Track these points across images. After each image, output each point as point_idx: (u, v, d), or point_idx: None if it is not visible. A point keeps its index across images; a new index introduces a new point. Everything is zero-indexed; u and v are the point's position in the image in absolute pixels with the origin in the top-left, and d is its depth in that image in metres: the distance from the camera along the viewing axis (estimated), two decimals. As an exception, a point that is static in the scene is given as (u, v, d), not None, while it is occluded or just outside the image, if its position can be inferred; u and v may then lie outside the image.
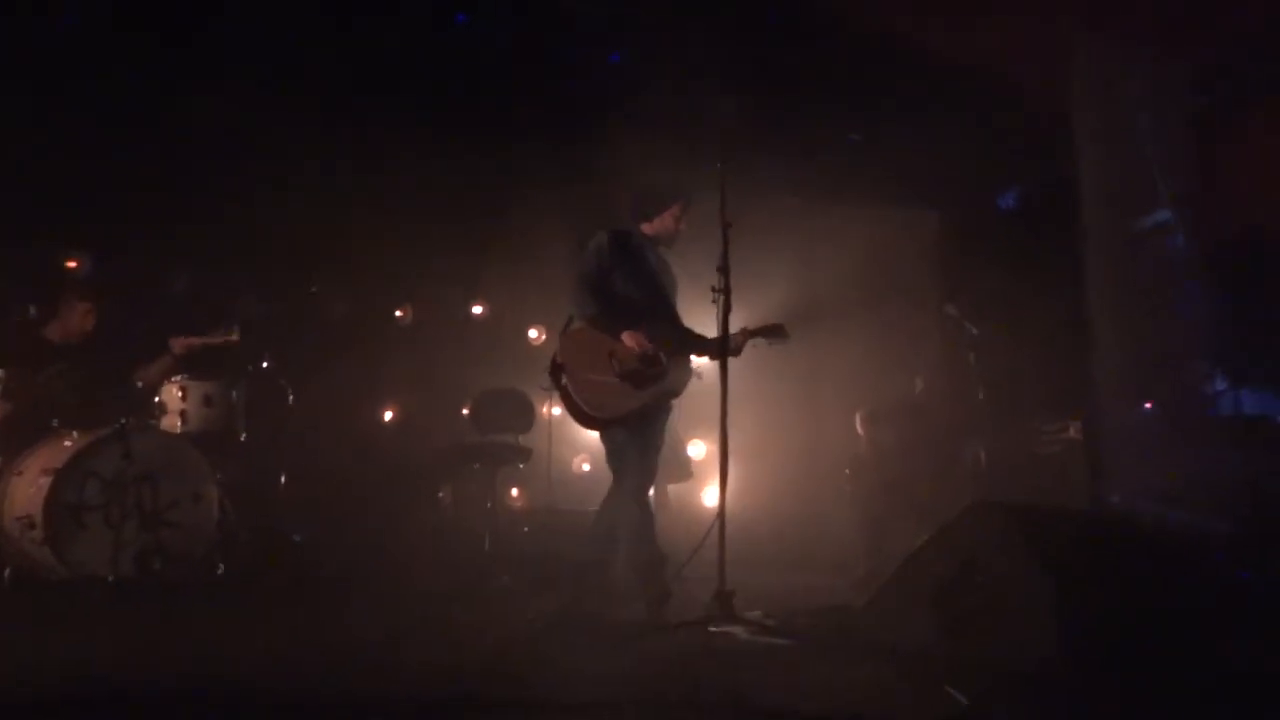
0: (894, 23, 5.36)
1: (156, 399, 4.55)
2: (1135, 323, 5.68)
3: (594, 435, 6.16)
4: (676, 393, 3.76)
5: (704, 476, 5.85)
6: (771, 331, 3.86)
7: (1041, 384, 5.68)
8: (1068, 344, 5.82)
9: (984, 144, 6.06)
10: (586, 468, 6.32)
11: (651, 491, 3.90)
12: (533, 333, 6.79)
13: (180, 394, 4.53)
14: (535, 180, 6.09)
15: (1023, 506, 3.00)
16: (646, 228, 3.91)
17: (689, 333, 3.83)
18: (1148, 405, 5.59)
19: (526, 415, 5.74)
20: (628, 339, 3.63)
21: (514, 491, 6.25)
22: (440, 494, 6.10)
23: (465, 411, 5.93)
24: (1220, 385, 5.62)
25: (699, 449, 6.14)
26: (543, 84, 5.74)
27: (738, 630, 3.24)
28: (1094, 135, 5.83)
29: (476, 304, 6.81)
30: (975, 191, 6.52)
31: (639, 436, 3.68)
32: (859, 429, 5.46)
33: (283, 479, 5.07)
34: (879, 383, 5.94)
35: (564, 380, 3.66)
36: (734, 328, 3.66)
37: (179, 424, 4.50)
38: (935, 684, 2.48)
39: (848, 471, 5.47)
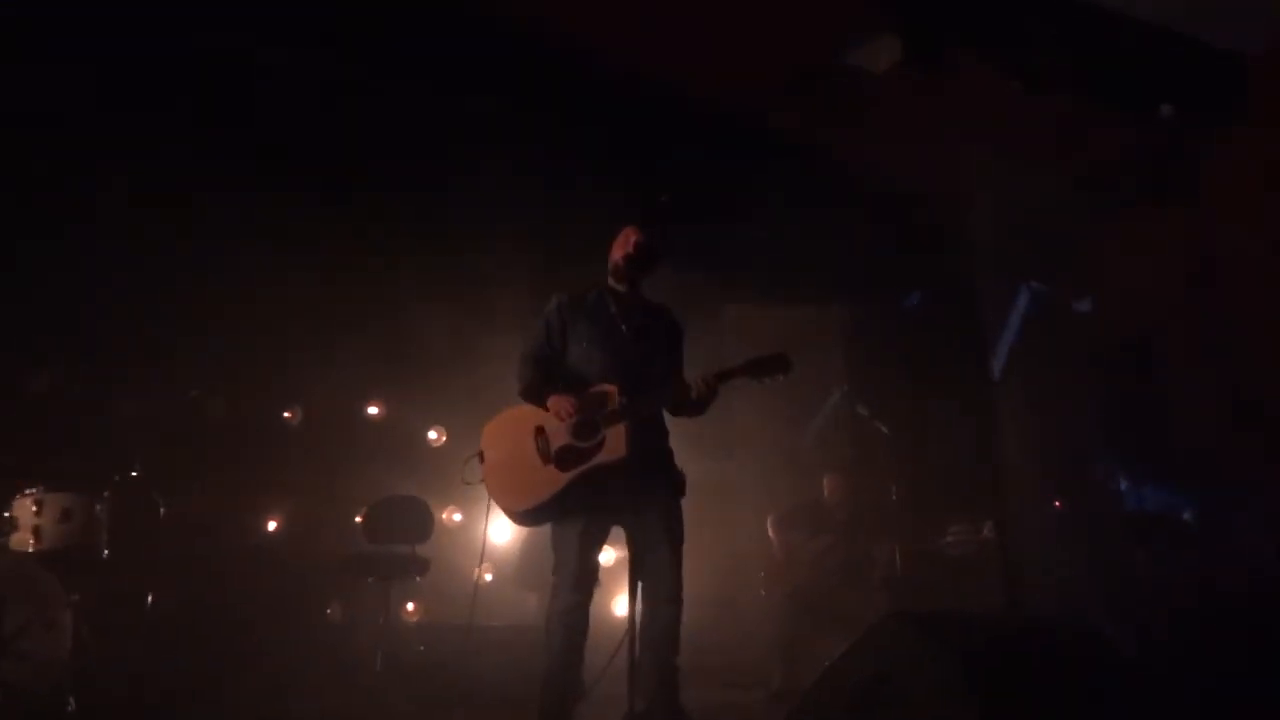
0: (798, 122, 5.64)
1: (6, 514, 4.24)
2: (1041, 421, 5.94)
3: (499, 543, 6.11)
4: (616, 467, 3.21)
5: (612, 584, 5.75)
6: (760, 367, 3.28)
7: (952, 484, 5.84)
8: (976, 443, 6.03)
9: (888, 242, 6.36)
10: (489, 578, 6.13)
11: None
12: (432, 434, 6.65)
13: (35, 508, 4.23)
14: (430, 276, 6.07)
15: (937, 616, 3.02)
16: (610, 279, 3.56)
17: (643, 393, 3.27)
18: (1057, 504, 5.80)
19: (424, 524, 5.57)
20: (551, 404, 3.28)
21: (409, 606, 6.01)
22: (329, 610, 5.82)
23: (358, 520, 5.73)
24: (1123, 483, 5.90)
25: (607, 555, 6.06)
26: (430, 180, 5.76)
27: (649, 756, 3.13)
28: (992, 239, 6.20)
29: (372, 404, 6.65)
30: (881, 290, 6.80)
31: (569, 523, 3.31)
32: (770, 532, 5.49)
33: (149, 599, 4.75)
34: (791, 484, 6.01)
35: (481, 472, 3.37)
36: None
37: (31, 542, 4.19)
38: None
39: (763, 574, 5.47)
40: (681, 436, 3.63)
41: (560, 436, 3.30)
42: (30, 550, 4.17)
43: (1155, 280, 5.67)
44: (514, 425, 3.42)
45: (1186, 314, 5.52)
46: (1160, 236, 5.66)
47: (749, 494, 6.19)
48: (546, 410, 3.34)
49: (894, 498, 5.31)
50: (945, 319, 6.50)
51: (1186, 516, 5.70)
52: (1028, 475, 5.86)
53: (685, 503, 3.45)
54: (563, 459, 3.28)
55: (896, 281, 6.98)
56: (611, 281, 3.58)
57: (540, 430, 3.34)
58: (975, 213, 6.18)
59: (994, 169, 6.04)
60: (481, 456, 3.46)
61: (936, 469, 5.90)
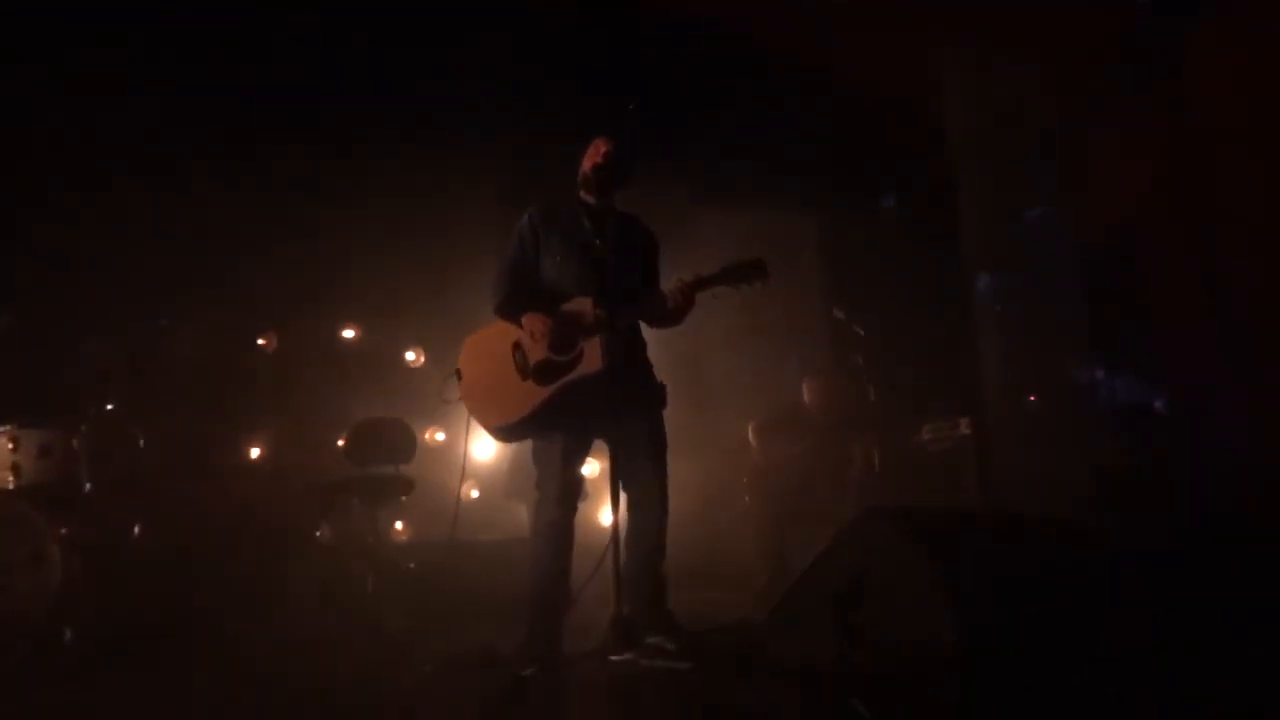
0: (770, 25, 5.53)
1: (-19, 452, 4.24)
2: (1016, 317, 6.01)
3: (483, 460, 6.17)
4: (594, 379, 3.22)
5: (599, 495, 5.85)
6: (737, 273, 3.25)
7: (929, 382, 5.93)
8: (953, 341, 6.11)
9: (863, 145, 6.31)
10: (475, 494, 6.23)
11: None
12: (410, 355, 6.64)
13: (11, 445, 4.23)
14: (399, 198, 5.99)
15: (912, 511, 3.10)
16: (581, 191, 3.53)
17: (620, 304, 3.26)
18: (1032, 398, 5.91)
19: (407, 444, 5.60)
20: (526, 322, 3.28)
21: (398, 525, 6.10)
22: (318, 533, 5.89)
23: (340, 444, 5.76)
24: (1099, 375, 6.01)
25: (591, 467, 6.15)
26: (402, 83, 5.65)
27: (638, 657, 3.24)
28: (969, 137, 6.15)
29: (347, 327, 6.62)
30: (855, 192, 6.77)
31: (551, 438, 3.36)
32: (751, 440, 5.58)
33: (136, 530, 4.80)
34: (769, 391, 6.08)
35: (459, 389, 3.39)
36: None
37: (10, 479, 4.21)
38: (839, 699, 2.54)
39: (745, 481, 5.58)
40: (660, 347, 3.66)
41: (538, 351, 3.31)
42: (11, 486, 4.19)
43: (1135, 173, 5.68)
44: (491, 342, 3.43)
45: (1166, 206, 5.55)
46: (1140, 129, 5.63)
47: (728, 402, 6.26)
48: (521, 327, 3.34)
49: (872, 399, 5.39)
50: (922, 219, 6.51)
51: (1158, 405, 5.84)
52: (1005, 371, 5.96)
53: (666, 413, 3.49)
54: (541, 373, 3.29)
55: (872, 184, 6.95)
56: (583, 194, 3.55)
57: (518, 345, 3.35)
58: (950, 110, 6.12)
59: (969, 63, 5.96)
60: (459, 374, 3.47)
61: (914, 369, 5.99)
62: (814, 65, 5.80)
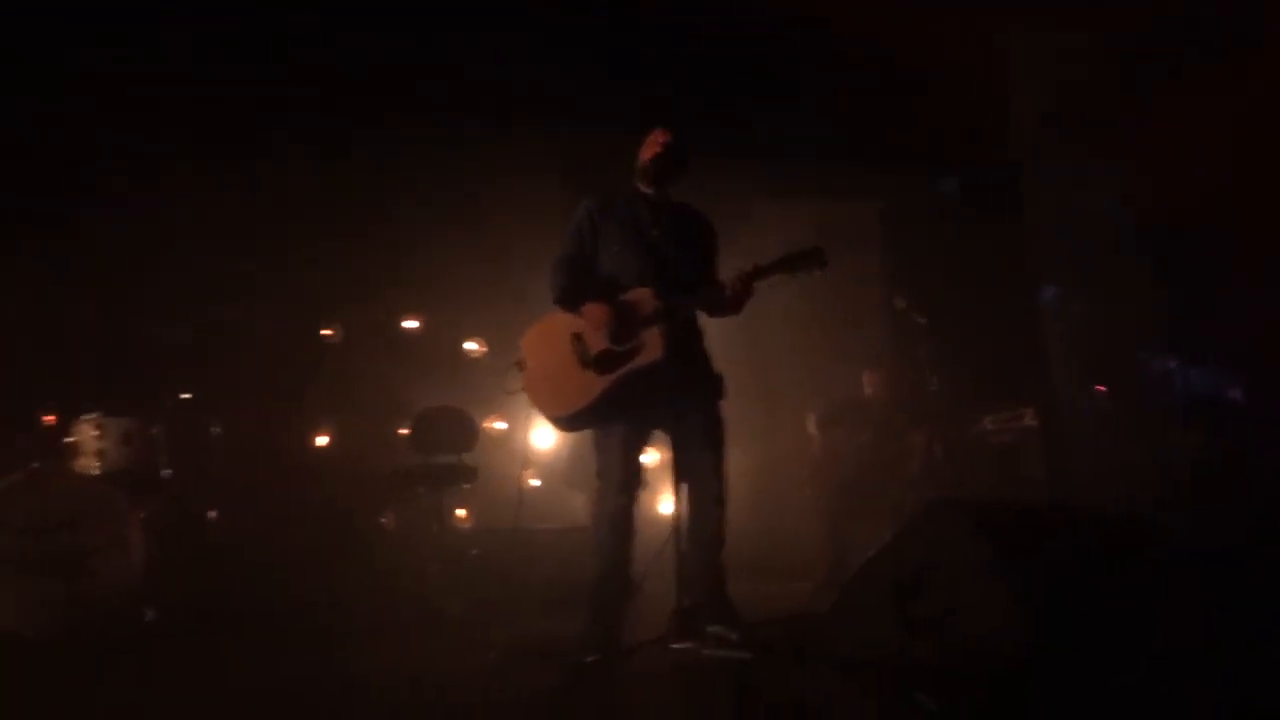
0: (829, 7, 5.46)
1: (70, 439, 4.44)
2: (1084, 306, 5.87)
3: (543, 448, 6.25)
4: (654, 369, 3.24)
5: (658, 484, 5.89)
6: (794, 261, 3.25)
7: (993, 372, 5.83)
8: (1018, 330, 5.99)
9: (924, 130, 6.21)
10: (536, 482, 6.30)
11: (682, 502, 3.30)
12: (470, 345, 6.74)
13: (96, 432, 4.42)
14: (458, 191, 6.08)
15: (978, 503, 3.07)
16: (639, 182, 3.56)
17: (679, 294, 3.28)
18: (1101, 389, 5.78)
19: (469, 433, 5.70)
20: (586, 312, 3.32)
21: (460, 513, 6.21)
22: (383, 520, 6.03)
23: (404, 432, 5.88)
24: (1171, 365, 5.85)
25: (650, 456, 6.19)
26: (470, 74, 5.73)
27: (699, 647, 3.27)
28: (1033, 119, 6.01)
29: (410, 318, 6.75)
30: (916, 178, 6.68)
31: (611, 428, 3.38)
32: (812, 431, 5.56)
33: (212, 515, 4.97)
34: (829, 381, 6.04)
35: (520, 380, 3.44)
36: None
37: (96, 464, 4.39)
38: (902, 691, 2.54)
39: (805, 472, 5.57)
40: (718, 336, 3.67)
41: (598, 341, 3.34)
42: (96, 472, 4.37)
43: (1209, 153, 5.48)
44: (552, 333, 3.47)
45: (1241, 188, 5.36)
46: (1214, 105, 5.44)
47: (788, 392, 6.25)
48: (581, 317, 3.37)
49: (933, 389, 5.33)
50: (984, 203, 6.39)
51: (1235, 396, 5.67)
52: (1071, 360, 5.84)
53: (724, 403, 3.50)
54: (601, 363, 3.33)
55: (934, 169, 6.84)
56: (640, 185, 3.58)
57: (578, 336, 3.38)
58: (1014, 92, 5.99)
59: (1032, 41, 5.82)
60: (521, 365, 3.53)
61: (977, 358, 5.90)
62: (873, 48, 5.71)
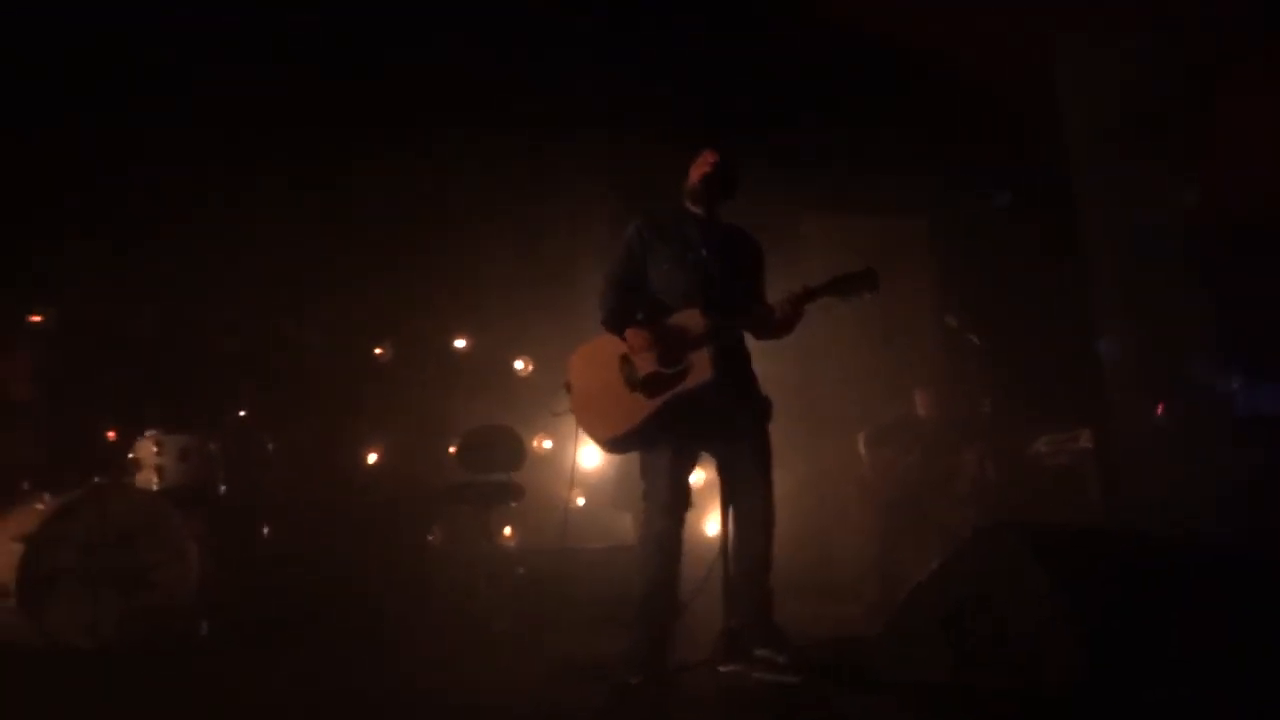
0: (877, 19, 5.44)
1: (130, 455, 4.57)
2: (1143, 320, 5.74)
3: (589, 468, 6.26)
4: (702, 392, 3.24)
5: (703, 505, 5.87)
6: (846, 284, 3.25)
7: (1048, 392, 5.73)
8: (1072, 347, 5.88)
9: (974, 142, 6.14)
10: (581, 502, 6.32)
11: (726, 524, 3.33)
12: (518, 364, 6.80)
13: (155, 449, 4.55)
14: (509, 211, 6.14)
15: (1034, 527, 3.01)
16: (688, 202, 3.57)
17: (728, 316, 3.29)
18: (1160, 409, 5.64)
19: (517, 452, 5.75)
20: (628, 338, 3.33)
21: (507, 531, 6.24)
22: (430, 537, 6.09)
23: (452, 450, 5.94)
24: (1235, 383, 5.68)
25: (697, 476, 6.17)
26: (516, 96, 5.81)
27: (747, 669, 3.25)
28: (1087, 128, 5.90)
29: (459, 337, 6.83)
30: (966, 192, 6.61)
31: (659, 450, 3.38)
32: (861, 451, 5.51)
33: (265, 531, 5.07)
34: (879, 401, 5.99)
35: (568, 401, 3.47)
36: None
37: (155, 480, 4.52)
38: (953, 717, 2.50)
39: (855, 493, 5.52)
40: (765, 358, 3.67)
41: (646, 363, 3.35)
42: (155, 487, 4.49)
43: (1272, 159, 5.33)
44: (600, 354, 3.49)
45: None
46: (1272, 102, 5.27)
47: (836, 413, 6.19)
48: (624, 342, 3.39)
49: (986, 409, 5.26)
50: (1037, 218, 6.28)
51: (1303, 416, 5.50)
52: (1128, 378, 5.71)
53: (772, 425, 3.50)
54: (649, 386, 3.34)
55: (984, 182, 6.76)
56: (689, 204, 3.60)
57: (626, 358, 3.39)
58: (1066, 100, 5.89)
59: (1083, 48, 5.72)
60: (569, 386, 3.56)
61: (1031, 377, 5.80)
62: (920, 60, 5.68)
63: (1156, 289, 5.65)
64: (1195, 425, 5.44)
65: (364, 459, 6.36)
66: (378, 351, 6.54)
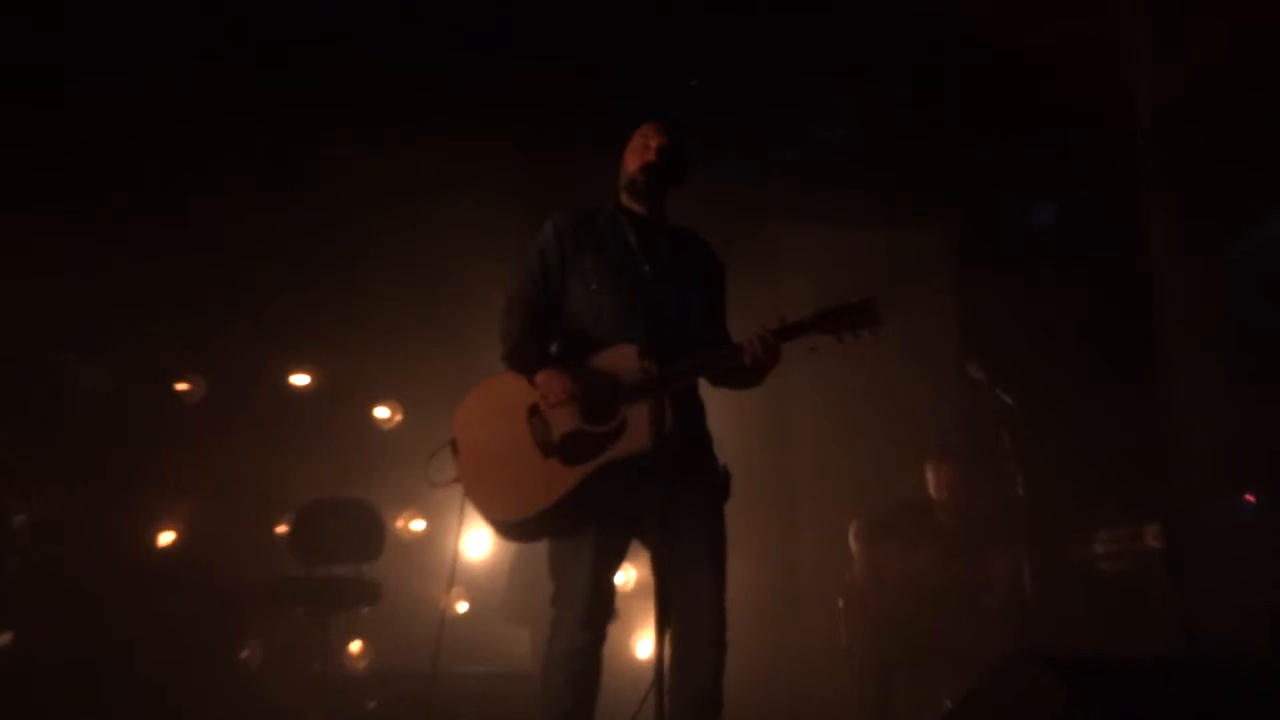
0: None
1: None
2: (1226, 382, 5.91)
3: (475, 559, 6.21)
4: (639, 459, 3.11)
5: (634, 617, 5.84)
6: (838, 318, 3.23)
7: (1103, 474, 5.84)
8: (1136, 416, 6.02)
9: (1011, 144, 6.30)
10: (463, 608, 6.25)
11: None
12: (381, 411, 6.73)
13: None
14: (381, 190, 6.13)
15: (1082, 660, 3.06)
16: (625, 197, 3.55)
17: (677, 356, 3.21)
18: (1249, 498, 5.80)
19: (373, 535, 5.69)
20: (540, 383, 3.28)
21: (355, 647, 6.15)
22: (244, 654, 5.96)
23: (280, 530, 5.84)
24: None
25: (625, 576, 6.15)
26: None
27: None
28: (1155, 133, 6.10)
29: (298, 371, 6.74)
30: (1000, 207, 6.76)
31: (578, 539, 3.33)
32: (852, 546, 5.55)
33: (6, 638, 4.89)
34: (878, 478, 6.05)
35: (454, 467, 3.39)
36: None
37: None
38: None
39: (841, 604, 5.54)
40: (726, 413, 3.67)
41: (564, 419, 3.29)
42: None
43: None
44: (500, 402, 3.43)
45: None
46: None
47: (819, 492, 6.25)
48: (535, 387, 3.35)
49: (1021, 493, 5.34)
50: (1091, 243, 6.45)
51: None
52: (1209, 460, 5.86)
53: (729, 506, 3.48)
54: (569, 450, 3.28)
55: (1022, 191, 6.93)
56: (625, 200, 3.58)
57: (536, 410, 3.34)
58: (1128, 95, 6.08)
59: (1150, 37, 5.93)
60: (455, 446, 3.50)
61: (1081, 453, 5.91)
62: (944, 34, 5.82)
63: (1247, 336, 5.82)
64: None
65: (153, 539, 6.21)
66: (182, 387, 6.42)
